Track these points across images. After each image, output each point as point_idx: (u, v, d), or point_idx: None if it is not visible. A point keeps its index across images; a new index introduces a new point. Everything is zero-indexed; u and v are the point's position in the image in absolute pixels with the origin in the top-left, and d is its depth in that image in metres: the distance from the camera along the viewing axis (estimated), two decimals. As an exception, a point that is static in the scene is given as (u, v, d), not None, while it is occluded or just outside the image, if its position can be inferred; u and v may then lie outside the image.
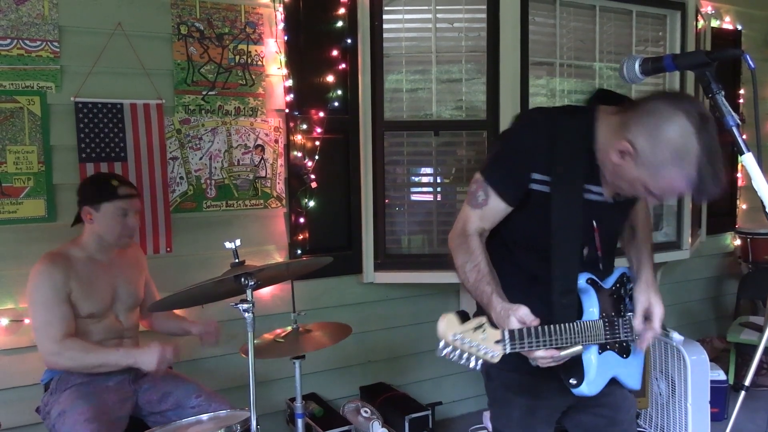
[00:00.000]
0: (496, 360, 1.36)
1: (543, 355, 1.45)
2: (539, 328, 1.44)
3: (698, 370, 3.14)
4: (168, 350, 2.26)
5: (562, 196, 1.59)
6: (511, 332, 1.39)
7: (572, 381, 1.61)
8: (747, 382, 1.69)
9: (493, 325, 1.42)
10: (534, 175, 1.59)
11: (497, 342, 1.36)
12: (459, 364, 1.36)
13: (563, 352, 1.47)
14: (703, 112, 1.39)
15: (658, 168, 1.43)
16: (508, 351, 1.38)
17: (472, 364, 1.35)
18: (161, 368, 2.27)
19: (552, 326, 1.46)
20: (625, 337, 1.69)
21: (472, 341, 1.34)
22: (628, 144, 1.45)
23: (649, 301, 1.69)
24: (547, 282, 1.62)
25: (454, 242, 1.66)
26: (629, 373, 1.72)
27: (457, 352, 1.34)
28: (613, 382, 1.68)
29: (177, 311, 2.73)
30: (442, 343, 1.33)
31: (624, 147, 1.46)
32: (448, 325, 1.33)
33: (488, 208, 1.64)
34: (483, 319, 1.36)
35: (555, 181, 1.59)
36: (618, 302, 1.72)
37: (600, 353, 1.64)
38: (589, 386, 1.61)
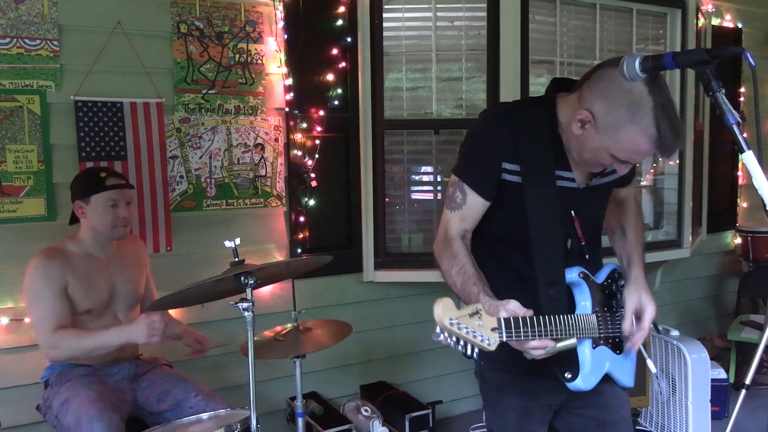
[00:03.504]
0: (492, 348, 1.33)
1: (537, 345, 1.43)
2: (534, 318, 1.43)
3: (699, 368, 3.14)
4: (155, 318, 2.18)
5: (534, 185, 1.60)
6: (507, 320, 1.38)
7: (567, 375, 1.60)
8: (748, 381, 1.68)
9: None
10: (504, 164, 1.61)
11: (494, 329, 1.34)
12: (456, 351, 1.32)
13: (559, 344, 1.45)
14: None
15: (617, 129, 1.45)
16: (504, 339, 1.36)
17: (468, 351, 1.31)
18: (154, 339, 2.19)
19: (547, 317, 1.46)
20: (618, 332, 1.69)
21: (469, 327, 1.30)
22: (586, 112, 1.49)
23: (639, 300, 1.68)
24: (533, 279, 1.62)
25: (438, 249, 1.67)
26: (622, 369, 1.71)
27: (453, 338, 1.30)
28: (606, 380, 1.67)
29: (175, 313, 2.71)
30: (438, 329, 1.30)
31: (583, 116, 1.50)
32: (444, 310, 1.29)
33: (467, 207, 1.65)
34: (478, 306, 1.34)
35: (525, 170, 1.61)
36: (610, 298, 1.72)
37: (593, 348, 1.63)
38: (585, 380, 1.60)
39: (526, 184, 1.61)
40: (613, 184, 1.79)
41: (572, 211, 1.67)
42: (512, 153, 1.61)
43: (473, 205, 1.65)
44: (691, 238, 4.11)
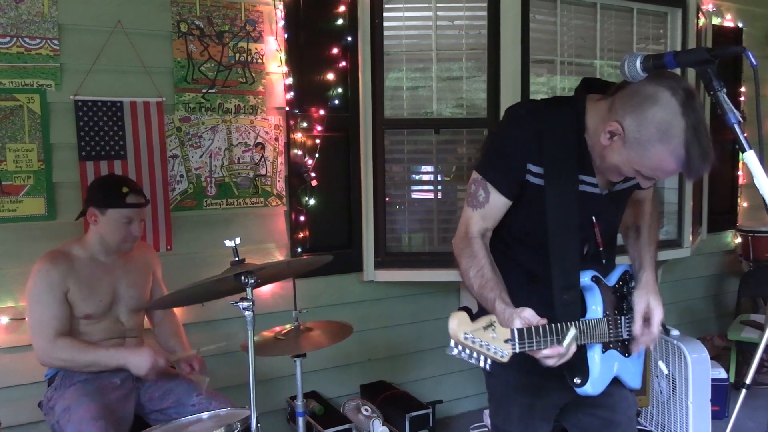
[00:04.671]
0: (505, 360, 1.34)
1: (549, 353, 1.43)
2: (546, 326, 1.42)
3: (699, 368, 3.14)
4: (160, 359, 2.27)
5: (556, 188, 1.58)
6: (520, 331, 1.38)
7: (577, 380, 1.60)
8: (748, 380, 1.68)
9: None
10: (529, 165, 1.59)
11: (507, 341, 1.34)
12: (469, 363, 1.34)
13: (565, 342, 1.44)
14: (688, 88, 1.39)
15: (645, 147, 1.43)
16: (517, 350, 1.36)
17: (481, 364, 1.32)
18: (150, 375, 2.28)
19: (558, 324, 1.45)
20: (627, 335, 1.69)
21: (483, 341, 1.31)
22: (617, 124, 1.45)
23: (648, 304, 1.67)
24: (545, 279, 1.61)
25: (458, 247, 1.64)
26: (631, 372, 1.71)
27: (467, 351, 1.31)
28: (614, 382, 1.67)
29: (182, 333, 2.66)
30: (452, 343, 1.30)
31: (613, 128, 1.46)
32: (459, 324, 1.29)
33: (490, 206, 1.63)
34: (492, 318, 1.34)
35: (548, 173, 1.58)
36: (621, 300, 1.72)
37: (603, 352, 1.64)
38: (593, 385, 1.61)
39: (548, 186, 1.58)
40: (634, 188, 1.76)
41: (593, 217, 1.65)
42: (537, 154, 1.58)
43: (496, 204, 1.63)
44: (691, 238, 4.11)
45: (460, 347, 1.31)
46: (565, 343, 1.44)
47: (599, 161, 1.57)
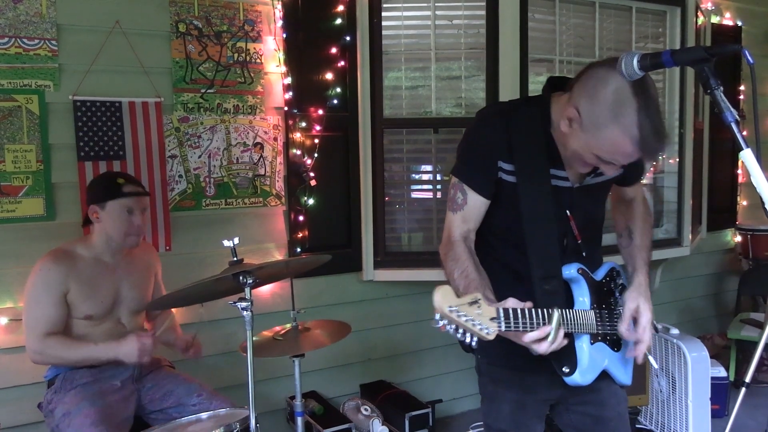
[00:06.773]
0: (491, 337, 1.34)
1: (537, 336, 1.44)
2: (532, 310, 1.43)
3: (699, 366, 3.14)
4: (146, 341, 2.25)
5: (528, 183, 1.62)
6: (506, 310, 1.39)
7: (565, 369, 1.61)
8: (748, 379, 1.69)
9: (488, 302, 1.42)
10: (500, 163, 1.63)
11: (492, 319, 1.35)
12: (455, 338, 1.33)
13: (553, 321, 1.45)
14: None
15: (599, 128, 1.46)
16: (503, 329, 1.37)
17: (468, 340, 1.32)
18: (143, 359, 2.26)
19: (542, 309, 1.46)
20: (615, 330, 1.69)
21: (468, 315, 1.31)
22: (574, 110, 1.49)
23: (637, 306, 1.67)
24: (531, 278, 1.62)
25: (443, 252, 1.68)
26: (620, 367, 1.72)
27: (453, 325, 1.31)
28: (603, 378, 1.68)
29: (176, 323, 2.66)
30: (437, 316, 1.30)
31: (570, 113, 1.50)
32: (443, 297, 1.30)
33: (468, 207, 1.67)
34: (478, 295, 1.35)
35: (519, 169, 1.62)
36: (608, 295, 1.73)
37: (592, 344, 1.64)
38: (582, 375, 1.61)
39: (521, 182, 1.62)
40: (611, 183, 1.79)
41: (567, 211, 1.68)
42: (506, 152, 1.62)
43: (474, 204, 1.67)
44: (691, 237, 4.11)
45: (445, 320, 1.31)
46: (553, 322, 1.44)
47: (563, 151, 1.61)
